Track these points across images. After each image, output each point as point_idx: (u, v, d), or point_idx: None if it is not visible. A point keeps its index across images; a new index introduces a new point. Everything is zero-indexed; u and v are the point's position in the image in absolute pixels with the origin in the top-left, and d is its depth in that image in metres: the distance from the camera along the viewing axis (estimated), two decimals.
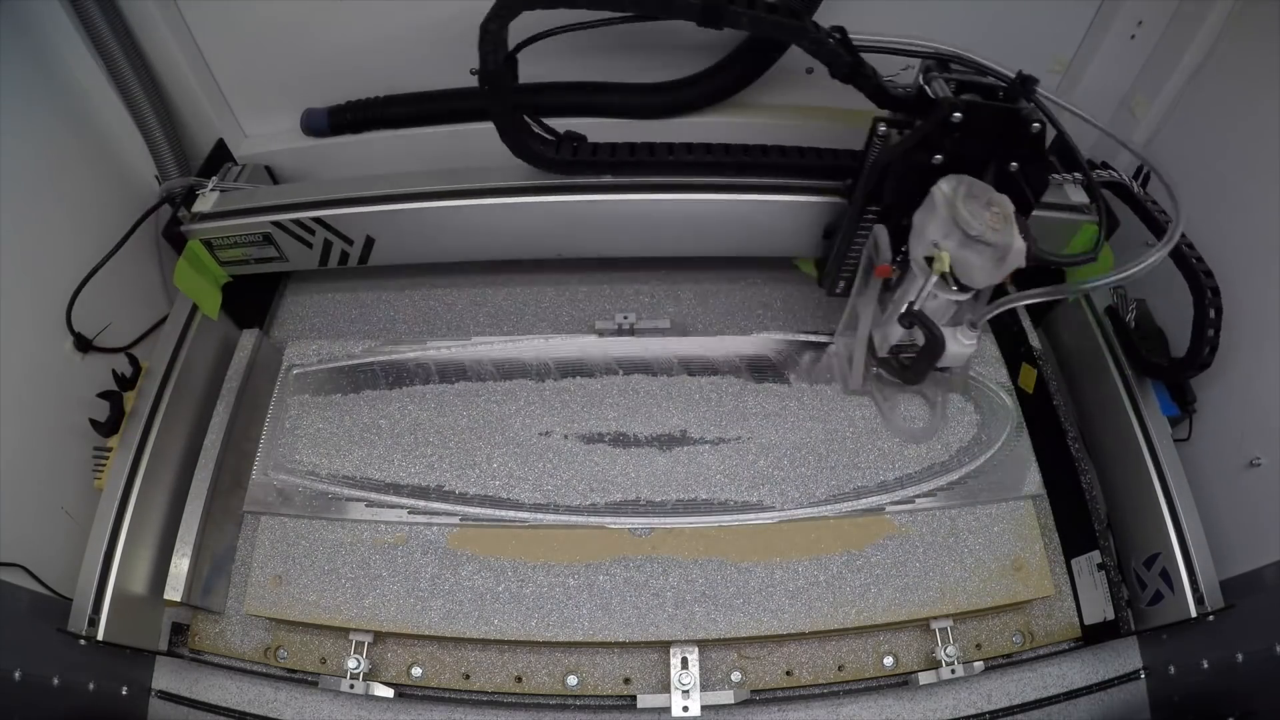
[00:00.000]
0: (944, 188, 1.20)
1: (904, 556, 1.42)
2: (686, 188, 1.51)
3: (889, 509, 1.46)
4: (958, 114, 1.17)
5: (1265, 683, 1.15)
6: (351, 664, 1.34)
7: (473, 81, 1.65)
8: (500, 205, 1.51)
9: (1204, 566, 1.28)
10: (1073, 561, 1.48)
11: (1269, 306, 1.28)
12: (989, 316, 1.33)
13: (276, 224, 1.53)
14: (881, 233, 1.35)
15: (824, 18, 1.44)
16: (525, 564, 1.41)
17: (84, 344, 1.42)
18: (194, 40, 1.57)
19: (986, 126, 1.20)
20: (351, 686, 1.33)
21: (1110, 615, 1.37)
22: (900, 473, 1.49)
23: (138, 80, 1.51)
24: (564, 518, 1.44)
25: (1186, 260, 1.34)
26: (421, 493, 1.47)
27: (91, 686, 1.24)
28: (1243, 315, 1.30)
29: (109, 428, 1.39)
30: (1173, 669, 1.32)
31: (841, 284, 1.55)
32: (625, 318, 1.69)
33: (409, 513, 1.45)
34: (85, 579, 1.28)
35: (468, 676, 1.38)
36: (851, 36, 1.29)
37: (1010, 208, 1.18)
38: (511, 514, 1.45)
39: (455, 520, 1.44)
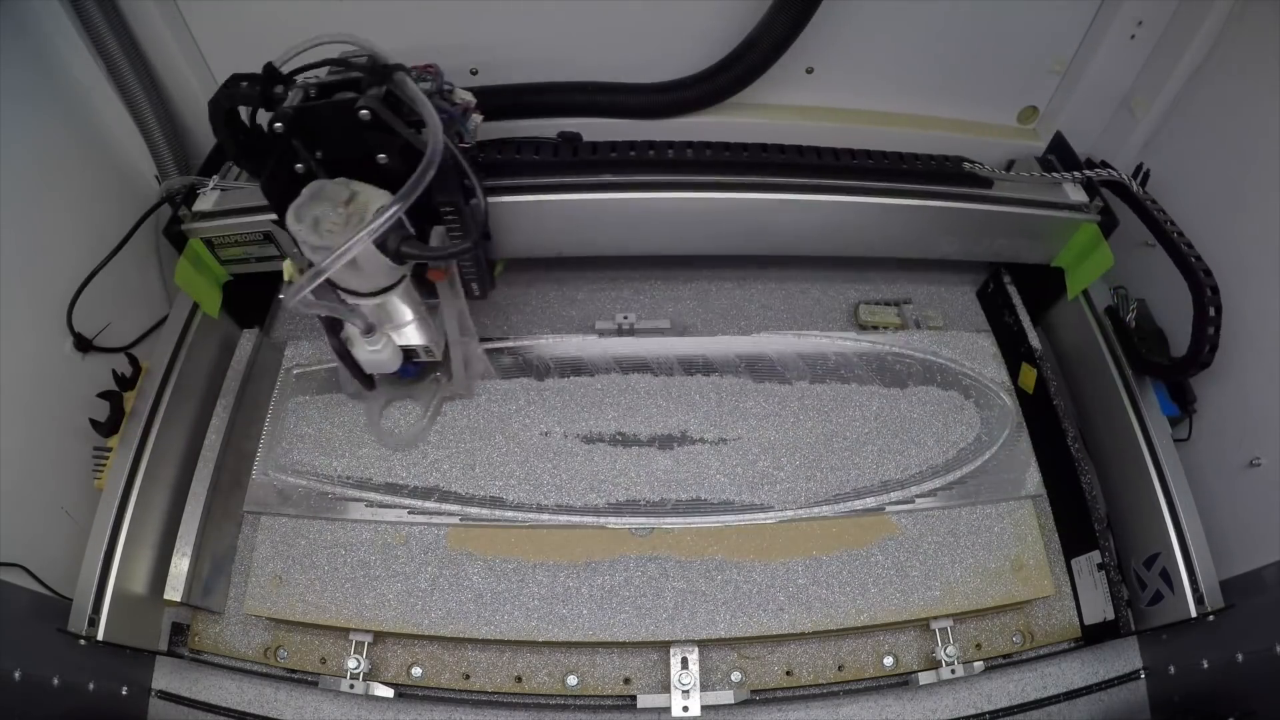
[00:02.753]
0: (300, 196, 1.14)
1: (904, 556, 1.42)
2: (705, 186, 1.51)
3: (889, 509, 1.46)
4: (278, 123, 1.13)
5: (1265, 683, 1.15)
6: (351, 664, 1.34)
7: (474, 82, 1.66)
8: (514, 203, 1.48)
9: (1204, 566, 1.29)
10: (1073, 561, 1.48)
11: (1269, 306, 1.29)
12: (330, 312, 1.22)
13: (277, 222, 1.50)
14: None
15: (824, 17, 1.45)
16: (525, 564, 1.41)
17: (84, 344, 1.41)
18: (194, 40, 1.57)
19: (329, 126, 1.15)
20: (351, 686, 1.33)
21: (1110, 615, 1.37)
22: (900, 473, 1.49)
23: (138, 80, 1.51)
24: (564, 518, 1.44)
25: (1185, 259, 1.34)
26: (421, 493, 1.47)
27: (91, 686, 1.24)
28: (1242, 315, 1.30)
29: (109, 428, 1.39)
30: (1173, 669, 1.32)
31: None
32: (625, 318, 1.69)
33: (409, 513, 1.45)
34: (85, 579, 1.28)
35: (468, 676, 1.38)
36: (279, 64, 1.23)
37: (373, 203, 1.12)
38: (511, 514, 1.45)
39: (455, 520, 1.44)
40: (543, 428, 1.54)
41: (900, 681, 1.38)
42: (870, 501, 1.46)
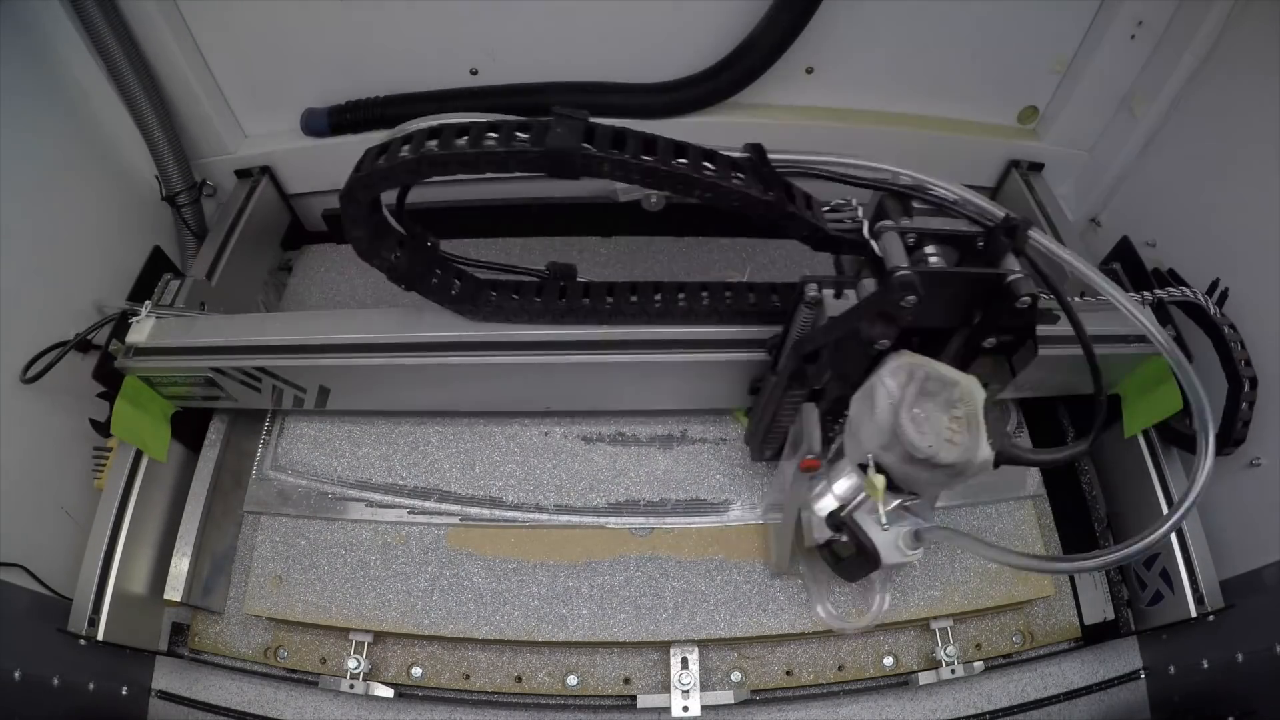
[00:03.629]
0: (888, 383, 0.91)
1: None
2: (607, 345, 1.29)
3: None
4: (911, 297, 0.88)
5: (1265, 683, 1.15)
6: (351, 664, 1.34)
7: (474, 81, 1.67)
8: (465, 363, 1.30)
9: (1204, 566, 1.28)
10: None
11: (1269, 306, 1.28)
12: (939, 529, 1.02)
13: (217, 369, 1.32)
14: (810, 416, 1.09)
15: (824, 17, 1.45)
16: (525, 564, 1.41)
17: (84, 344, 1.41)
18: (194, 40, 1.57)
19: (955, 297, 0.94)
20: (351, 686, 1.33)
21: (1110, 615, 1.37)
22: None
23: (138, 80, 1.51)
24: (564, 518, 1.44)
25: (1226, 346, 1.26)
26: (421, 493, 1.47)
27: (91, 686, 1.24)
28: (1242, 314, 1.30)
29: (109, 428, 1.39)
30: (1173, 669, 1.32)
31: (769, 452, 1.36)
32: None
33: (409, 513, 1.45)
34: (85, 579, 1.28)
35: (468, 676, 1.38)
36: (772, 157, 1.01)
37: (979, 401, 0.91)
38: (511, 514, 1.45)
39: (455, 520, 1.44)
40: (543, 428, 1.53)
41: (900, 681, 1.38)
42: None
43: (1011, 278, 0.91)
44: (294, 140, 1.74)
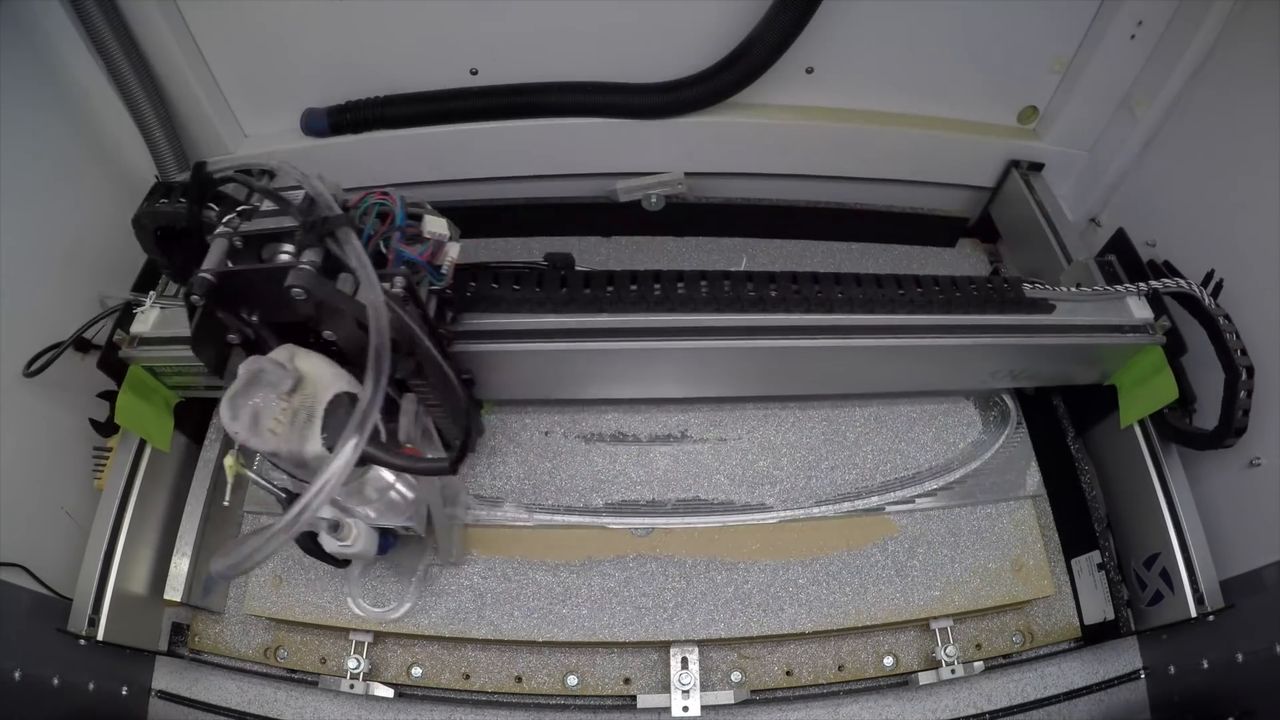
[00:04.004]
0: (238, 378, 0.89)
1: (904, 556, 1.42)
2: None
3: (889, 509, 1.46)
4: (195, 297, 0.90)
5: (1265, 683, 1.15)
6: (351, 664, 1.34)
7: (473, 81, 1.67)
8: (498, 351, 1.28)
9: (1204, 566, 1.28)
10: (1073, 561, 1.48)
11: (1269, 305, 1.28)
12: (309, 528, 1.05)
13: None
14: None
15: (824, 17, 1.45)
16: (525, 563, 1.41)
17: (84, 344, 1.41)
18: (194, 40, 1.57)
19: (260, 295, 0.93)
20: (351, 686, 1.33)
21: (1110, 615, 1.37)
22: (900, 473, 1.49)
23: (138, 80, 1.51)
24: (564, 517, 1.45)
25: (1221, 336, 1.27)
26: None
27: (91, 686, 1.24)
28: (1242, 314, 1.30)
29: (109, 428, 1.39)
30: (1173, 669, 1.32)
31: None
32: None
33: None
34: (85, 579, 1.28)
35: (468, 676, 1.38)
36: (211, 169, 1.07)
37: (324, 391, 0.90)
38: (511, 514, 1.45)
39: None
40: (543, 427, 1.53)
41: (900, 681, 1.38)
42: (870, 501, 1.46)
43: (288, 279, 0.88)
44: (294, 140, 1.74)
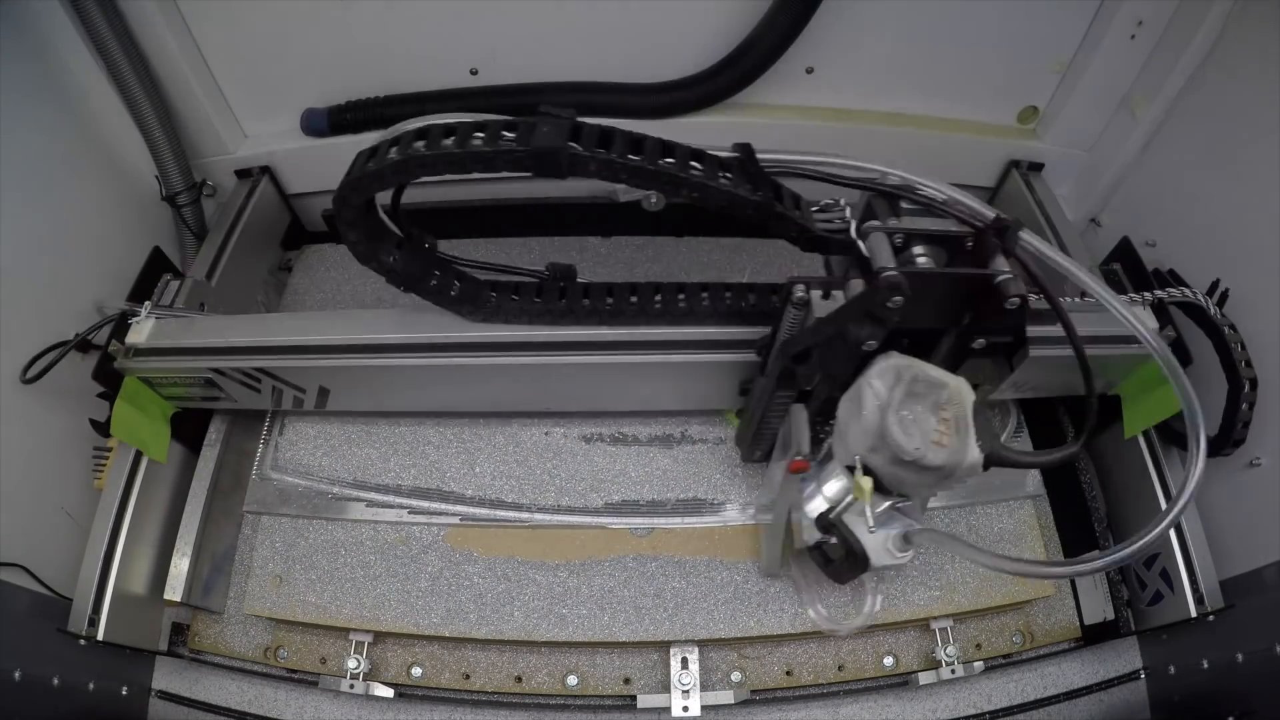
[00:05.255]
0: (876, 385, 0.91)
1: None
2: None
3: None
4: (898, 298, 0.87)
5: (1265, 683, 1.15)
6: (351, 664, 1.34)
7: (474, 81, 1.67)
8: (465, 364, 1.29)
9: (1204, 566, 1.28)
10: None
11: (1269, 305, 1.28)
12: (929, 532, 1.02)
13: (217, 370, 1.31)
14: (799, 417, 1.10)
15: (824, 17, 1.45)
16: (525, 563, 1.41)
17: (84, 344, 1.41)
18: (194, 40, 1.57)
19: (944, 298, 0.93)
20: (351, 686, 1.33)
21: (1110, 615, 1.37)
22: None
23: (138, 80, 1.51)
24: (564, 517, 1.44)
25: (1227, 347, 1.26)
26: (421, 493, 1.47)
27: (91, 686, 1.24)
28: (1242, 314, 1.30)
29: (109, 428, 1.39)
30: (1173, 669, 1.32)
31: (758, 453, 1.36)
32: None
33: (409, 513, 1.45)
34: (85, 579, 1.28)
35: (468, 676, 1.38)
36: (761, 156, 1.00)
37: (968, 403, 0.91)
38: (511, 514, 1.45)
39: (455, 520, 1.44)
40: (543, 428, 1.53)
41: (900, 681, 1.38)
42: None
43: (1001, 278, 0.90)
44: (294, 140, 1.74)
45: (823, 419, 1.11)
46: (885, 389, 0.90)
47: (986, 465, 0.90)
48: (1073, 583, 1.46)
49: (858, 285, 0.95)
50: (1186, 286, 1.32)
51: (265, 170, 1.78)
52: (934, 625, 1.38)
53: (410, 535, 1.43)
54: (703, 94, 1.59)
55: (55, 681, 1.18)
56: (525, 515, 1.45)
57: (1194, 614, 1.26)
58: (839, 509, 1.01)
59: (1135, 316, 0.95)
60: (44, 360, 1.30)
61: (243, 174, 1.79)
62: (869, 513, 0.96)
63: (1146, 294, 1.33)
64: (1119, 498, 1.47)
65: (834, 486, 1.04)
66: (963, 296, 0.93)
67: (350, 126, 1.69)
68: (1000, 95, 1.71)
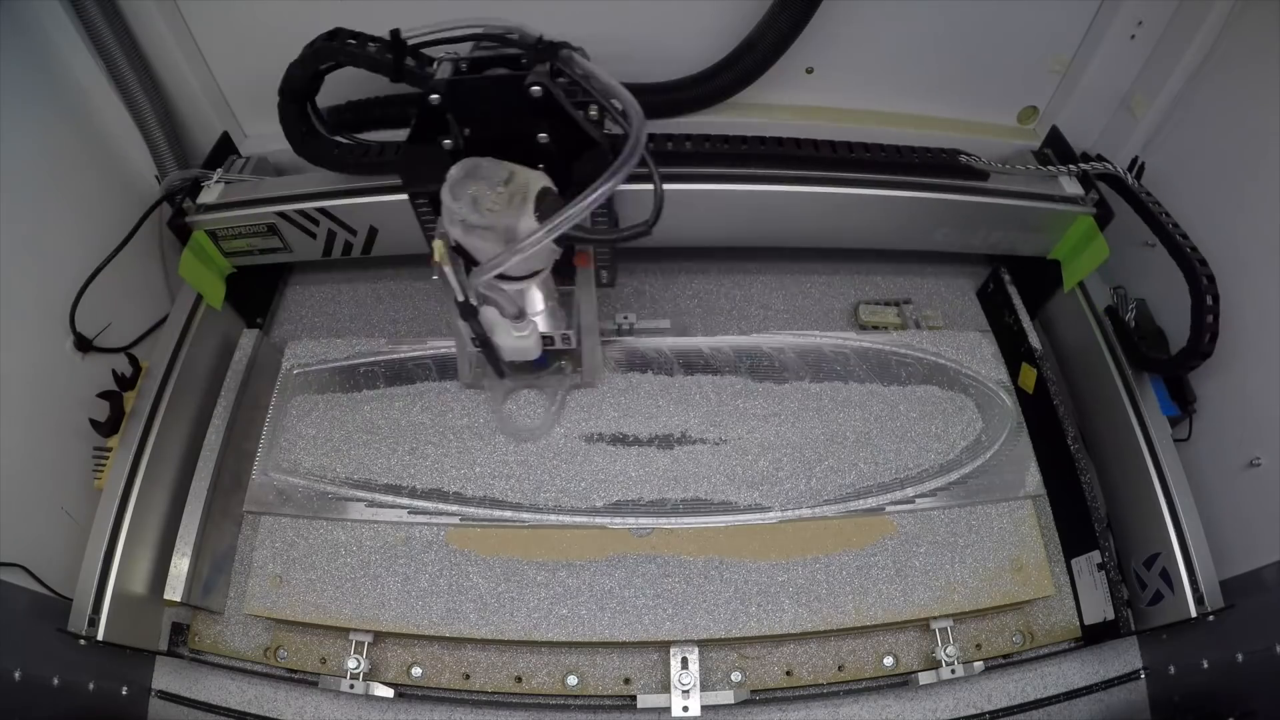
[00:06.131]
0: (453, 173, 1.10)
1: (904, 556, 1.42)
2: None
3: (889, 509, 1.46)
4: (434, 95, 1.11)
5: (1265, 683, 1.15)
6: (351, 664, 1.34)
7: None
8: None
9: (1204, 566, 1.29)
10: (1073, 561, 1.48)
11: (1269, 305, 1.29)
12: (497, 288, 1.21)
13: (281, 214, 1.54)
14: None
15: (824, 17, 1.45)
16: (525, 564, 1.41)
17: (84, 344, 1.42)
18: (194, 40, 1.57)
19: (488, 101, 1.13)
20: (351, 686, 1.33)
21: (1110, 615, 1.37)
22: (900, 473, 1.49)
23: (138, 80, 1.51)
24: (564, 518, 1.45)
25: (1180, 249, 1.37)
26: (421, 493, 1.47)
27: (91, 686, 1.24)
28: (1242, 314, 1.30)
29: (109, 428, 1.39)
30: (1173, 669, 1.32)
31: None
32: (625, 318, 1.69)
33: (409, 513, 1.45)
34: (85, 579, 1.28)
35: (468, 676, 1.38)
36: (405, 35, 1.21)
37: (534, 183, 1.09)
38: (511, 514, 1.45)
39: (455, 520, 1.44)
40: None
41: (900, 681, 1.38)
42: (870, 501, 1.46)
43: (531, 76, 1.09)
44: None
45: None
46: (455, 174, 1.10)
47: (560, 242, 1.10)
48: (1073, 583, 1.46)
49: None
50: (1109, 162, 1.52)
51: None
52: (934, 625, 1.38)
53: (410, 535, 1.43)
54: (703, 94, 1.59)
55: (55, 681, 1.18)
56: (525, 515, 1.45)
57: (1194, 614, 1.26)
58: (460, 291, 1.18)
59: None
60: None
61: None
62: (454, 279, 1.14)
63: (1071, 166, 1.56)
64: (1119, 498, 1.47)
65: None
66: (502, 97, 1.12)
67: (350, 126, 1.69)
68: (1000, 95, 1.71)
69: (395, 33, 1.18)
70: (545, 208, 1.07)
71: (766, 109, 1.67)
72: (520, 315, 1.26)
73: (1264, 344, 1.28)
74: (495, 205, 1.06)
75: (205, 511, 1.43)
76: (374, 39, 1.23)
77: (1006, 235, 1.64)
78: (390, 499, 1.46)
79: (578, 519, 1.44)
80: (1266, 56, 1.32)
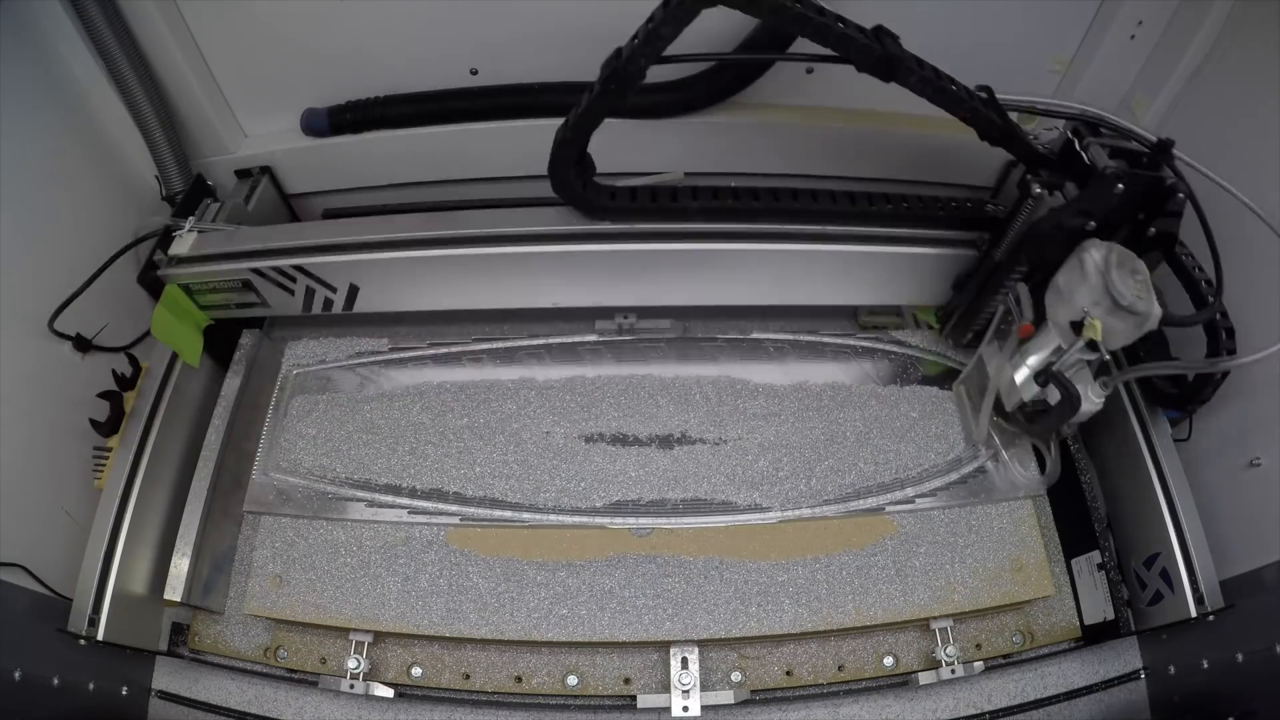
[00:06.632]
0: (1095, 256, 1.19)
1: (904, 556, 1.42)
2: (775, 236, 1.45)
3: (889, 509, 1.46)
4: (1120, 185, 1.19)
5: (1265, 683, 1.15)
6: (351, 664, 1.34)
7: (473, 81, 1.67)
8: (516, 254, 1.43)
9: (1204, 566, 1.28)
10: (1073, 561, 1.48)
11: (1269, 306, 1.28)
12: (1127, 378, 1.36)
13: (256, 271, 1.45)
14: (1024, 292, 1.36)
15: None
16: (525, 564, 1.41)
17: (84, 344, 1.41)
18: (194, 40, 1.57)
19: (1137, 194, 1.22)
20: (351, 686, 1.33)
21: (1110, 615, 1.37)
22: (900, 473, 1.49)
23: (138, 80, 1.51)
24: (564, 518, 1.45)
25: (1202, 298, 1.32)
26: (421, 493, 1.47)
27: (91, 686, 1.25)
28: (1243, 315, 1.30)
29: (109, 428, 1.39)
30: (1173, 669, 1.32)
31: (970, 335, 1.56)
32: (626, 318, 1.69)
33: (409, 513, 1.45)
34: (85, 579, 1.28)
35: (468, 676, 1.38)
36: (999, 97, 1.30)
37: (1148, 271, 1.20)
38: (511, 514, 1.45)
39: (455, 520, 1.44)
40: (543, 428, 1.53)
41: (900, 681, 1.38)
42: (870, 501, 1.46)
43: (1170, 179, 1.22)
44: (294, 140, 1.74)
45: (1036, 304, 1.35)
46: (1102, 258, 1.19)
47: (1163, 322, 1.19)
48: (1073, 583, 1.46)
49: (1073, 188, 1.26)
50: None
51: (265, 170, 1.78)
52: (934, 625, 1.38)
53: (410, 535, 1.43)
54: (704, 94, 1.59)
55: (55, 681, 1.18)
56: (525, 515, 1.45)
57: (1194, 614, 1.26)
58: (1060, 362, 1.27)
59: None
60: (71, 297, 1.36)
61: (243, 174, 1.78)
62: (1103, 349, 1.21)
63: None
64: (1119, 498, 1.47)
65: (1042, 352, 1.31)
66: (1147, 193, 1.22)
67: (350, 126, 1.69)
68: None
69: (988, 90, 1.30)
70: (1159, 295, 1.18)
71: (766, 109, 1.67)
72: (1106, 385, 1.31)
73: (1264, 344, 1.27)
74: (1141, 292, 1.16)
75: (205, 511, 1.43)
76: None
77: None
78: (390, 499, 1.46)
79: (578, 519, 1.44)
80: (1266, 56, 1.32)
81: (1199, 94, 1.48)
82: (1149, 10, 1.47)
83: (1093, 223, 1.23)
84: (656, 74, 1.61)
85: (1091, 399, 1.30)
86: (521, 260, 1.44)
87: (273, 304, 1.53)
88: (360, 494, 1.47)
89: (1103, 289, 1.18)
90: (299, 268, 1.45)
